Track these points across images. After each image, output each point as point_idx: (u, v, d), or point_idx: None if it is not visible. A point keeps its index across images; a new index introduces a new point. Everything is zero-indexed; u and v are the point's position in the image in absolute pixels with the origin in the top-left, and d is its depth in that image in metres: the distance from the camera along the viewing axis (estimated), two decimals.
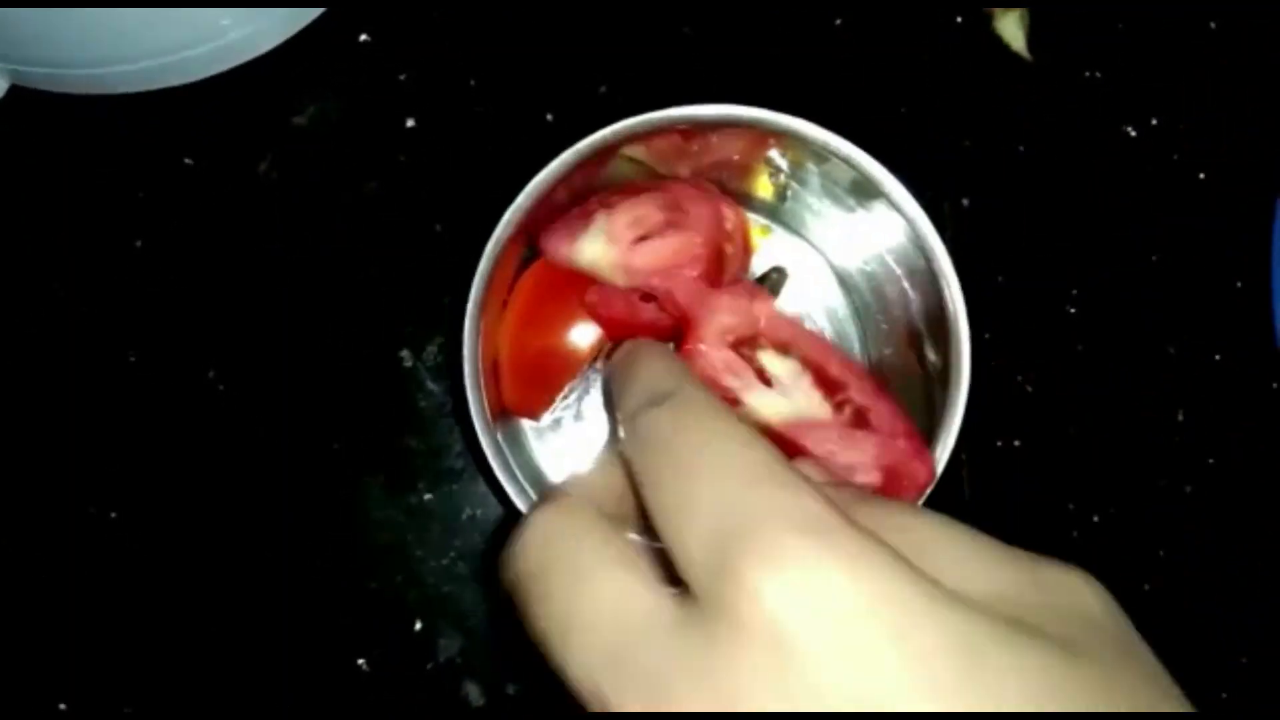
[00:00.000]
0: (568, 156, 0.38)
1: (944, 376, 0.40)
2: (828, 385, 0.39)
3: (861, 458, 0.37)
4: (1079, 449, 0.52)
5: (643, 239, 0.40)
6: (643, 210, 0.41)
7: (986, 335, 0.51)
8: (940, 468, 0.38)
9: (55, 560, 0.49)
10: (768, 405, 0.38)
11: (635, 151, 0.43)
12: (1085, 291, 0.52)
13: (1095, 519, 0.51)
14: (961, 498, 0.51)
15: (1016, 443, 0.51)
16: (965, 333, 0.39)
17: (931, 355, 0.42)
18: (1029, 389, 0.52)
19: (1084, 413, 0.52)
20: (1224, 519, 0.52)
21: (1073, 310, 0.52)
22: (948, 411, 0.39)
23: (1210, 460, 0.52)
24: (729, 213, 0.46)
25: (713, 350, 0.38)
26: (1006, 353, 0.52)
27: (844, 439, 0.37)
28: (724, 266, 0.42)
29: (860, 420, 0.38)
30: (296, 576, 0.50)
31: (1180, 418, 0.52)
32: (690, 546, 0.20)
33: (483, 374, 0.38)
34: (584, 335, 0.44)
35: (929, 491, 0.38)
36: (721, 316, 0.39)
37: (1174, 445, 0.52)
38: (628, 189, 0.43)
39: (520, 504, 0.38)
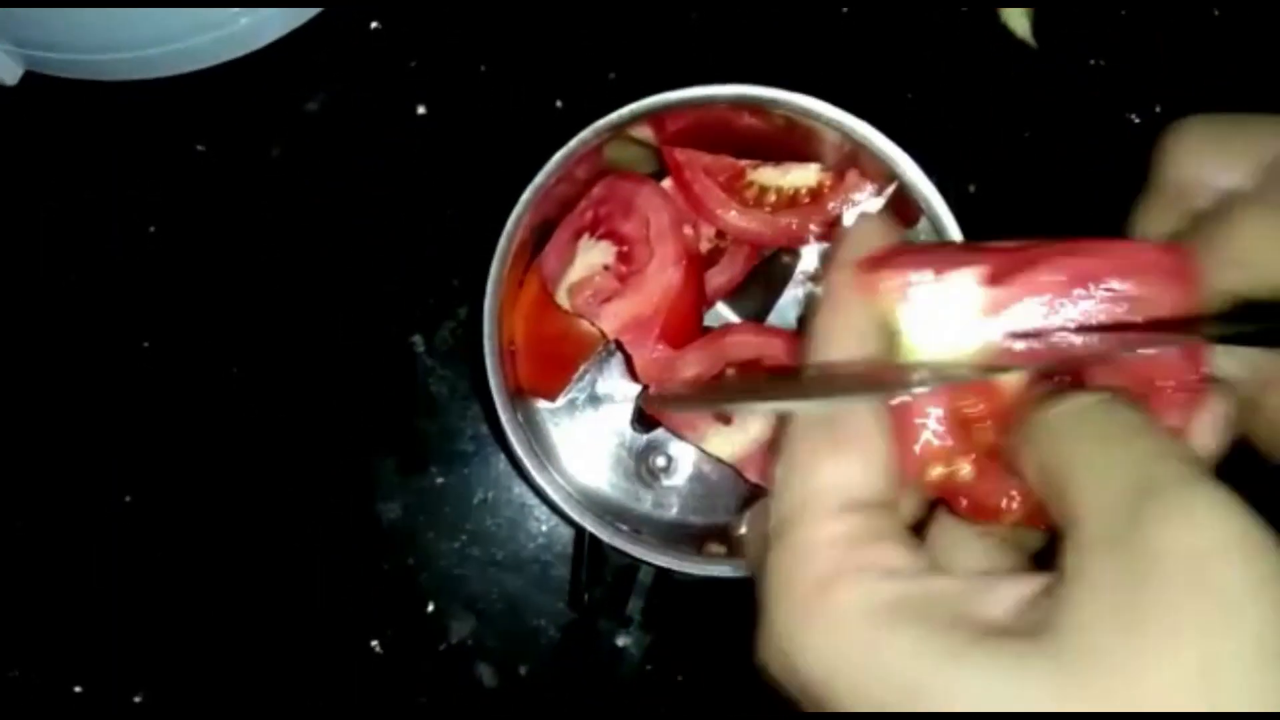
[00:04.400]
0: (586, 135, 0.38)
1: None
2: None
3: None
4: None
5: (606, 300, 0.42)
6: (598, 277, 0.43)
7: None
8: None
9: (69, 544, 0.50)
10: (721, 444, 0.43)
11: (642, 133, 0.43)
12: None
13: None
14: None
15: None
16: None
17: None
18: None
19: None
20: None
21: None
22: None
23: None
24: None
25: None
26: None
27: None
28: (695, 283, 0.43)
29: None
30: (309, 559, 0.50)
31: None
32: (1105, 499, 0.22)
33: (501, 355, 0.38)
34: None
35: None
36: (685, 372, 0.43)
37: None
38: (607, 198, 0.44)
39: (540, 480, 0.38)
